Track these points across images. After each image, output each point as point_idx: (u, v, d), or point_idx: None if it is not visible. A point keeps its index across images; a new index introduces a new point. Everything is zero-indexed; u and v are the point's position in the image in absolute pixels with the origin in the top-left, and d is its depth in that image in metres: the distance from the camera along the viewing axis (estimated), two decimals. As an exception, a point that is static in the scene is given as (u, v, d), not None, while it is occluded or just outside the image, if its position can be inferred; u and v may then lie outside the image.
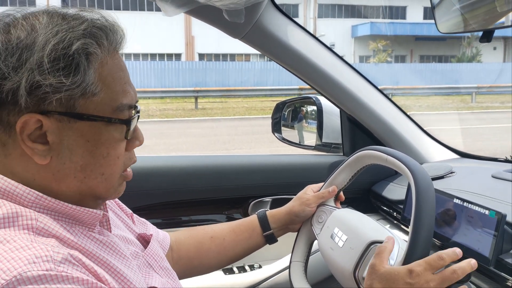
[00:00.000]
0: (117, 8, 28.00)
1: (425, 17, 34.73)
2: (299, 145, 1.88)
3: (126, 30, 0.82)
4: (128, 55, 27.84)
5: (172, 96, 17.55)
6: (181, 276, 1.17)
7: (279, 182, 1.59)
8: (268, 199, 1.58)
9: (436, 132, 1.85)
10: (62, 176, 0.73)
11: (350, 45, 32.93)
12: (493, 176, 1.35)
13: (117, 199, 1.05)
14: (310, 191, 1.23)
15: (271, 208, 1.58)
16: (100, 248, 0.77)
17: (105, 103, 0.73)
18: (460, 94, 18.89)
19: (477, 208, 1.08)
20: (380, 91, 1.54)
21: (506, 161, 1.50)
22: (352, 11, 33.46)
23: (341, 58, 1.47)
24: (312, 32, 1.62)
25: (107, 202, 0.98)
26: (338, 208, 1.21)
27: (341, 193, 1.24)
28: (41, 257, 0.63)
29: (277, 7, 1.32)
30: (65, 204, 0.74)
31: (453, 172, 1.45)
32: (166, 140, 9.59)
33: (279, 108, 1.91)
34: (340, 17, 33.18)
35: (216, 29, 1.31)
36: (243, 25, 1.27)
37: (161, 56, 28.70)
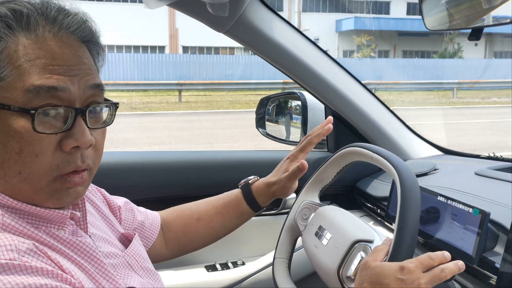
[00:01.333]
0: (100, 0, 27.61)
1: (408, 13, 35.02)
2: (284, 140, 1.86)
3: (80, 13, 0.76)
4: (111, 47, 27.53)
5: (156, 89, 17.43)
6: (176, 254, 1.18)
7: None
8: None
9: (419, 127, 1.86)
10: None
11: (334, 40, 33.03)
12: (476, 174, 1.35)
13: (105, 192, 1.04)
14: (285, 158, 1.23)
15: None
16: (68, 249, 0.74)
17: (16, 87, 0.65)
18: (441, 89, 19.12)
19: (461, 206, 1.08)
20: (365, 86, 1.53)
21: (489, 158, 1.51)
22: (337, 6, 33.55)
23: (325, 53, 1.45)
24: (296, 26, 1.60)
25: (92, 198, 0.96)
26: (323, 204, 1.20)
27: (304, 162, 1.20)
28: (5, 246, 0.62)
29: (262, 1, 1.29)
30: (28, 205, 0.71)
31: (437, 169, 1.45)
32: (149, 134, 9.50)
33: (263, 103, 1.89)
34: (324, 12, 33.24)
35: (200, 22, 1.29)
36: (227, 19, 1.25)
37: (145, 48, 28.45)
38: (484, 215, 1.01)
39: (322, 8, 33.38)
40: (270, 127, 1.92)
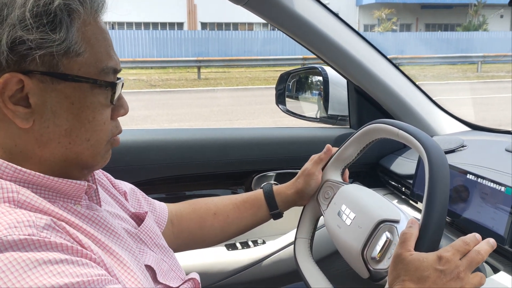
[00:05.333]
0: (118, -25, 27.42)
1: (431, -16, 34.00)
2: (304, 117, 1.82)
3: None
4: (129, 24, 27.52)
5: (175, 66, 17.38)
6: (182, 249, 1.15)
7: (283, 156, 1.54)
8: (272, 173, 1.53)
9: (443, 102, 1.79)
10: (45, 140, 0.70)
11: (355, 14, 32.36)
12: (507, 150, 1.29)
13: (110, 176, 1.02)
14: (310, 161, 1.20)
15: (275, 181, 1.53)
16: (86, 223, 0.73)
17: (90, 64, 0.70)
18: (466, 63, 18.66)
19: (491, 184, 1.03)
20: (389, 60, 1.47)
21: (520, 134, 1.44)
22: (357, -22, 32.74)
23: (348, 25, 1.39)
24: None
25: (99, 179, 0.95)
26: (346, 183, 1.16)
27: (346, 169, 1.20)
28: (23, 222, 0.61)
29: (282, -29, 1.24)
30: (46, 176, 0.70)
31: (465, 146, 1.39)
32: (168, 111, 9.52)
33: (283, 79, 1.84)
34: (345, -16, 32.49)
35: None
36: (246, -10, 1.20)
37: (163, 25, 28.33)
38: (518, 194, 0.96)
39: (342, -19, 32.62)
40: (290, 103, 1.88)
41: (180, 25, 28.98)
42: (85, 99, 0.70)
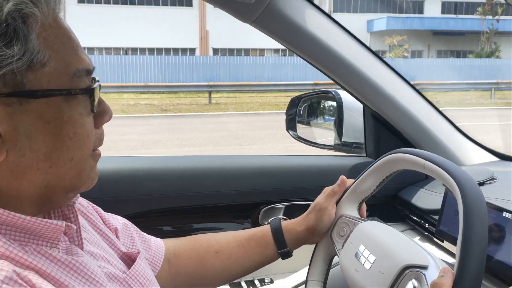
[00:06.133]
0: (132, 3, 28.02)
1: (443, 12, 34.23)
2: (316, 144, 1.70)
3: None
4: (142, 50, 27.92)
5: (186, 90, 17.54)
6: None
7: (294, 186, 1.41)
8: (281, 205, 1.41)
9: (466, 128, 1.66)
10: (22, 170, 0.61)
11: (366, 40, 32.50)
12: (543, 183, 1.16)
13: (101, 211, 0.91)
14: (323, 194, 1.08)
15: (284, 215, 1.41)
16: (62, 271, 0.63)
17: (60, 72, 0.61)
18: (479, 90, 18.54)
19: (533, 225, 0.90)
20: (409, 83, 1.35)
21: (555, 165, 1.31)
22: (368, 6, 33.05)
23: (364, 45, 1.28)
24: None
25: (87, 213, 0.84)
26: (363, 219, 1.03)
27: (363, 203, 1.08)
28: None
29: (293, -14, 1.14)
30: (16, 215, 0.60)
31: (495, 178, 1.26)
32: (179, 135, 9.48)
33: (294, 103, 1.73)
34: (355, 12, 32.80)
35: (230, 23, 1.14)
36: (254, 6, 1.10)
37: (175, 51, 28.70)
38: None
39: (353, 9, 32.93)
40: (302, 129, 1.77)
41: (192, 50, 29.34)
42: (61, 114, 0.62)
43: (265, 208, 1.39)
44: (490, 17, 32.53)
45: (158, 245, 1.01)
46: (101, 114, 0.69)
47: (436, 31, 32.83)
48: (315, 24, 1.17)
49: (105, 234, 0.85)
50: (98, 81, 0.68)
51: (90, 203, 0.90)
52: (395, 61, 24.81)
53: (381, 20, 31.85)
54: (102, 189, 1.26)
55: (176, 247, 1.04)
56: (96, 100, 0.66)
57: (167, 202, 1.30)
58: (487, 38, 32.28)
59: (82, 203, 0.86)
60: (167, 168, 1.32)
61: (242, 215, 1.41)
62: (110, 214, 0.94)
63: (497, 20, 32.41)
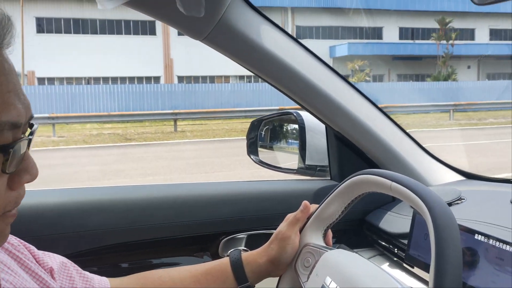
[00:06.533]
0: (94, 32, 27.79)
1: (400, 37, 35.41)
2: (279, 168, 1.63)
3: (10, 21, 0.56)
4: (105, 79, 27.58)
5: (151, 119, 17.37)
6: None
7: (256, 214, 1.32)
8: (243, 235, 1.31)
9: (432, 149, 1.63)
10: None
11: (329, 66, 33.21)
12: (512, 202, 1.11)
13: (34, 249, 0.80)
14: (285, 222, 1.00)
15: (246, 245, 1.31)
16: None
17: None
18: (438, 111, 19.11)
19: (508, 248, 0.84)
20: (373, 103, 1.30)
21: (522, 182, 1.27)
22: (330, 32, 33.85)
23: (324, 62, 1.23)
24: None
25: (16, 252, 0.74)
26: (329, 248, 0.96)
27: (329, 230, 1.00)
28: None
29: (247, 1, 1.07)
30: None
31: (463, 198, 1.21)
32: (143, 164, 9.28)
33: (254, 126, 1.66)
34: (318, 38, 33.51)
35: (195, 51, 1.07)
36: (205, 22, 1.03)
37: (140, 79, 28.53)
38: (544, 260, 0.77)
39: (315, 35, 33.65)
40: (264, 153, 1.69)
41: (156, 79, 29.22)
42: None
43: (225, 239, 1.30)
44: (444, 42, 33.90)
45: (103, 285, 0.90)
46: (20, 174, 0.59)
47: (395, 55, 33.89)
48: (271, 41, 1.11)
49: (36, 275, 0.75)
50: (32, 133, 0.60)
51: (22, 241, 0.80)
52: (358, 85, 25.32)
53: (342, 46, 32.66)
54: (42, 225, 1.14)
55: (123, 286, 0.94)
56: (16, 159, 0.57)
57: (118, 237, 1.19)
58: (443, 62, 33.53)
59: (11, 242, 0.76)
60: (117, 200, 1.21)
61: (201, 248, 1.31)
62: (46, 253, 0.84)
63: (452, 45, 33.78)
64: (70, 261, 0.88)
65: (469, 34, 36.51)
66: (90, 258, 1.17)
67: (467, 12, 34.79)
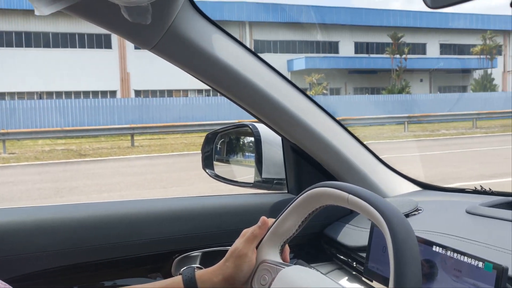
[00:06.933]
0: (47, 45, 27.06)
1: (356, 51, 36.36)
2: (236, 182, 1.58)
3: None
4: (59, 93, 26.84)
5: (107, 134, 16.98)
6: None
7: (211, 231, 1.27)
8: (197, 253, 1.25)
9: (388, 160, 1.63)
10: None
11: (287, 79, 33.62)
12: (468, 212, 1.11)
13: None
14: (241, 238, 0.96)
15: (201, 264, 1.25)
16: None
17: None
18: (393, 124, 19.62)
19: (466, 259, 0.82)
20: (329, 114, 1.28)
21: (476, 192, 1.28)
22: (287, 46, 34.34)
23: (279, 74, 1.20)
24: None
25: None
26: (286, 264, 0.92)
27: (286, 246, 0.97)
28: None
29: (198, 9, 1.03)
30: None
31: (420, 209, 1.20)
32: (98, 181, 9.01)
33: (209, 139, 1.61)
34: (276, 52, 33.92)
35: (152, 65, 1.01)
36: (153, 30, 0.98)
37: (95, 93, 27.95)
38: (501, 271, 0.76)
39: (273, 49, 34.05)
40: (220, 167, 1.64)
41: (113, 93, 28.71)
42: None
43: (178, 258, 1.23)
44: (398, 56, 35.06)
45: None
46: None
47: (351, 69, 34.74)
48: (224, 50, 1.07)
49: None
50: None
51: None
52: (316, 98, 25.76)
53: (300, 60, 33.20)
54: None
55: None
56: None
57: (60, 260, 1.10)
58: (397, 75, 34.65)
59: None
60: (61, 219, 1.13)
61: (152, 268, 1.24)
62: None
63: (405, 59, 34.96)
64: (9, 286, 0.81)
65: (420, 48, 37.93)
66: (33, 283, 1.08)
67: (418, 27, 36.17)
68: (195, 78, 1.09)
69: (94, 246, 1.14)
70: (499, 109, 22.66)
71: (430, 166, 9.59)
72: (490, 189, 1.26)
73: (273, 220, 0.96)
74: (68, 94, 27.05)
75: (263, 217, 0.96)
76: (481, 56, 36.92)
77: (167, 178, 9.07)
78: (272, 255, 0.95)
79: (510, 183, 7.39)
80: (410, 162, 10.12)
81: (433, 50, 38.21)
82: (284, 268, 0.89)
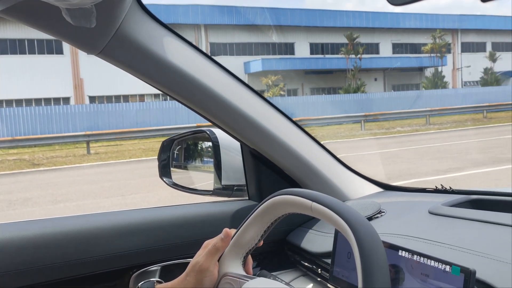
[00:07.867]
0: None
1: (311, 52, 36.83)
2: (195, 190, 1.53)
3: None
4: (9, 102, 25.84)
5: (61, 142, 16.45)
6: None
7: (169, 243, 1.21)
8: (156, 267, 1.19)
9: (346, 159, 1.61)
10: None
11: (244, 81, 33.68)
12: (430, 213, 1.10)
13: None
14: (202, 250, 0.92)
15: (161, 278, 1.19)
16: None
17: None
18: (350, 123, 19.96)
19: (432, 263, 0.80)
20: (287, 116, 1.25)
21: (437, 191, 1.28)
22: (244, 49, 34.37)
23: (235, 76, 1.16)
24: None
25: None
26: (249, 277, 0.88)
27: (249, 256, 0.93)
28: None
29: (147, 11, 0.98)
30: None
31: (383, 211, 1.19)
32: (53, 191, 8.68)
33: (165, 147, 1.55)
34: (232, 55, 33.88)
35: (106, 70, 0.94)
36: (99, 34, 0.92)
37: (47, 100, 27.06)
38: (468, 274, 0.74)
39: (229, 51, 34.00)
40: (178, 174, 1.58)
41: (66, 99, 27.90)
42: None
43: (136, 273, 1.17)
44: (353, 56, 35.76)
45: None
46: None
47: (307, 70, 35.15)
48: (176, 54, 1.01)
49: None
50: None
51: None
52: (273, 99, 25.91)
53: (256, 62, 33.28)
54: None
55: None
56: None
57: (17, 280, 1.02)
58: (352, 75, 35.34)
59: None
60: (10, 238, 1.04)
61: (110, 286, 1.17)
62: None
63: (360, 59, 35.70)
64: None
65: (374, 48, 38.83)
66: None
67: (371, 27, 37.01)
68: (147, 83, 1.04)
69: (47, 266, 1.06)
70: (450, 105, 23.53)
71: (387, 163, 9.80)
72: (450, 188, 1.26)
73: (234, 230, 0.92)
74: (18, 102, 26.08)
75: (226, 229, 0.91)
76: (432, 55, 38.18)
77: (125, 186, 8.85)
78: (235, 268, 0.91)
79: (464, 177, 7.65)
80: (369, 161, 10.31)
81: (386, 49, 39.20)
82: (247, 281, 0.85)
